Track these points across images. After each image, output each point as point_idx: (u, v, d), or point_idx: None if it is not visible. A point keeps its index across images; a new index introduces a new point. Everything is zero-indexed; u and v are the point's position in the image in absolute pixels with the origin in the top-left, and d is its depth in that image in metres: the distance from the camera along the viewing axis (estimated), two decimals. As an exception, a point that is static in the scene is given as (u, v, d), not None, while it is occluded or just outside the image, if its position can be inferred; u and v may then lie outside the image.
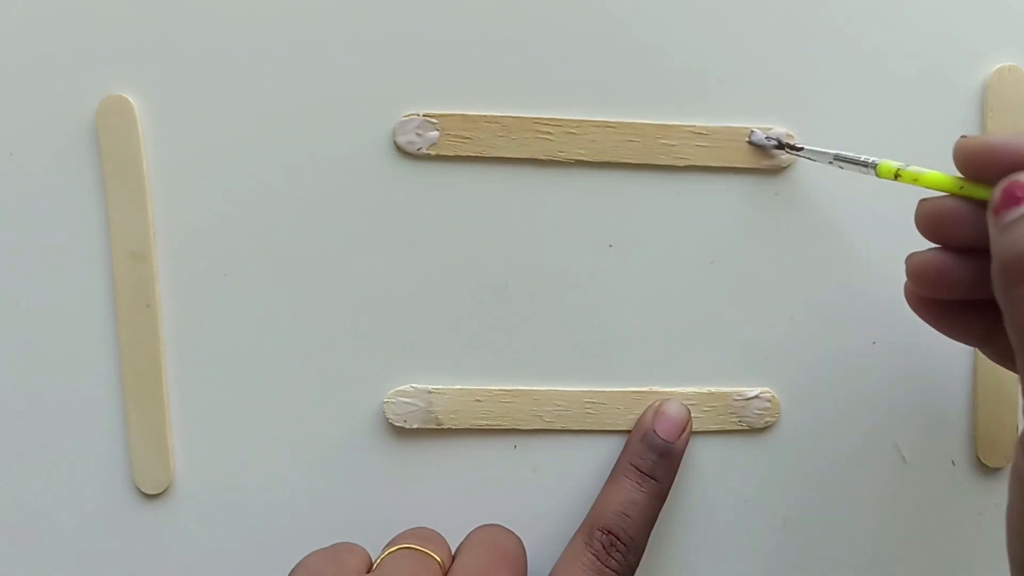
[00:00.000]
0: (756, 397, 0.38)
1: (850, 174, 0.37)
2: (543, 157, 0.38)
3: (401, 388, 0.39)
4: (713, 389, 0.38)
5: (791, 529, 0.38)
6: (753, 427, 0.38)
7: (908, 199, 0.37)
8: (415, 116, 0.38)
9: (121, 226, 0.39)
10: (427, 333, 0.39)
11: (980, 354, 0.37)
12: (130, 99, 0.39)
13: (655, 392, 0.38)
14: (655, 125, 0.38)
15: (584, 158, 0.38)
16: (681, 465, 0.37)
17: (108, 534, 0.39)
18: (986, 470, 0.38)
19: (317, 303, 0.39)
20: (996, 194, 0.30)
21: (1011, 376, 0.37)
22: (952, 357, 0.38)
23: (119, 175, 0.39)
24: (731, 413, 0.38)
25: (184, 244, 0.39)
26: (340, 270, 0.39)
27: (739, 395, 0.38)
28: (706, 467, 0.39)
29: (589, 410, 0.38)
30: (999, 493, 0.38)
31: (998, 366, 0.34)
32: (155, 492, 0.39)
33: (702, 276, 0.38)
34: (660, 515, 0.36)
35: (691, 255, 0.38)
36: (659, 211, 0.38)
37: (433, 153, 0.38)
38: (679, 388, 0.38)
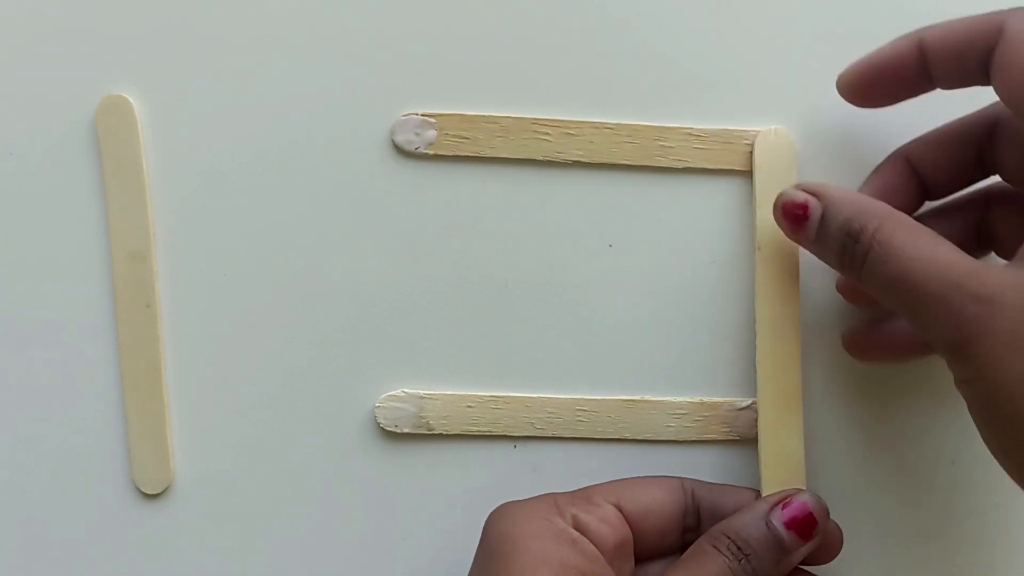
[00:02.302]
0: (748, 408, 0.38)
1: (850, 174, 0.37)
2: (541, 158, 0.38)
3: (393, 393, 0.39)
4: (705, 399, 0.38)
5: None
6: (744, 437, 0.38)
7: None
8: (414, 115, 0.38)
9: (121, 226, 0.39)
10: (422, 336, 0.39)
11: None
12: (130, 99, 0.39)
13: (647, 401, 0.38)
14: (653, 127, 0.38)
15: (582, 159, 0.38)
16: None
17: (108, 534, 0.39)
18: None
19: (315, 303, 0.39)
20: (778, 217, 0.33)
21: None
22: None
23: (119, 175, 0.39)
24: (722, 423, 0.38)
25: (184, 244, 0.39)
26: (338, 270, 0.39)
27: (731, 406, 0.38)
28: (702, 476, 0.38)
29: (580, 418, 0.38)
30: (999, 493, 0.38)
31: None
32: (155, 492, 0.39)
33: (700, 280, 0.38)
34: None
35: (689, 258, 0.38)
36: (657, 213, 0.38)
37: (431, 153, 0.38)
38: (671, 397, 0.38)
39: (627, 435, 0.38)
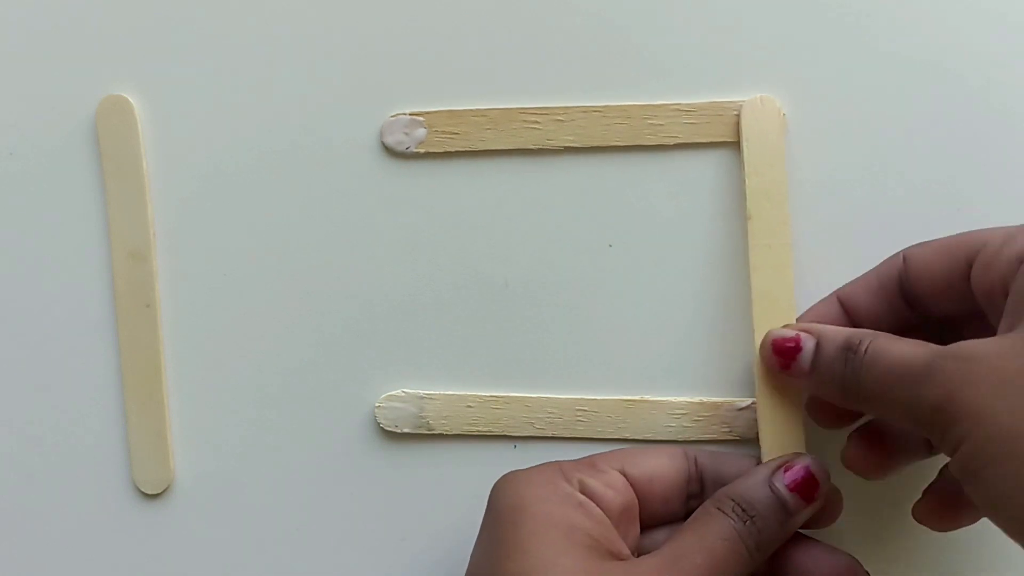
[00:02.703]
0: (747, 408, 0.38)
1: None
2: (532, 147, 0.38)
3: (393, 393, 0.39)
4: (705, 399, 0.38)
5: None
6: (744, 437, 0.38)
7: (916, 192, 0.37)
8: (402, 115, 0.38)
9: (121, 226, 0.39)
10: (422, 336, 0.39)
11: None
12: (130, 99, 0.39)
13: (647, 401, 0.38)
14: (641, 106, 0.37)
15: (573, 144, 0.38)
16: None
17: (108, 534, 0.39)
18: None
19: (315, 303, 0.39)
20: (767, 356, 0.35)
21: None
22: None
23: (119, 175, 0.39)
24: (722, 423, 0.38)
25: (184, 244, 0.39)
26: (338, 271, 0.39)
27: (731, 406, 0.38)
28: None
29: (580, 418, 0.38)
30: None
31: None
32: (155, 492, 0.39)
33: (698, 272, 0.38)
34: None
35: (686, 240, 0.38)
36: (651, 192, 0.38)
37: (422, 151, 0.38)
38: (671, 397, 0.38)
39: (627, 435, 0.38)
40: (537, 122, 0.38)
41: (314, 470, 0.39)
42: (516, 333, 0.39)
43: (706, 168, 0.38)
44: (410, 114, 0.38)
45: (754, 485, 0.33)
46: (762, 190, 0.36)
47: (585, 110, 0.38)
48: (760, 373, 0.36)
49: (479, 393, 0.39)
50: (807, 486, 0.33)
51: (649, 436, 0.38)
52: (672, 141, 0.38)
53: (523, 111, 0.38)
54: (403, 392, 0.39)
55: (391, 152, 0.38)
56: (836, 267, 0.37)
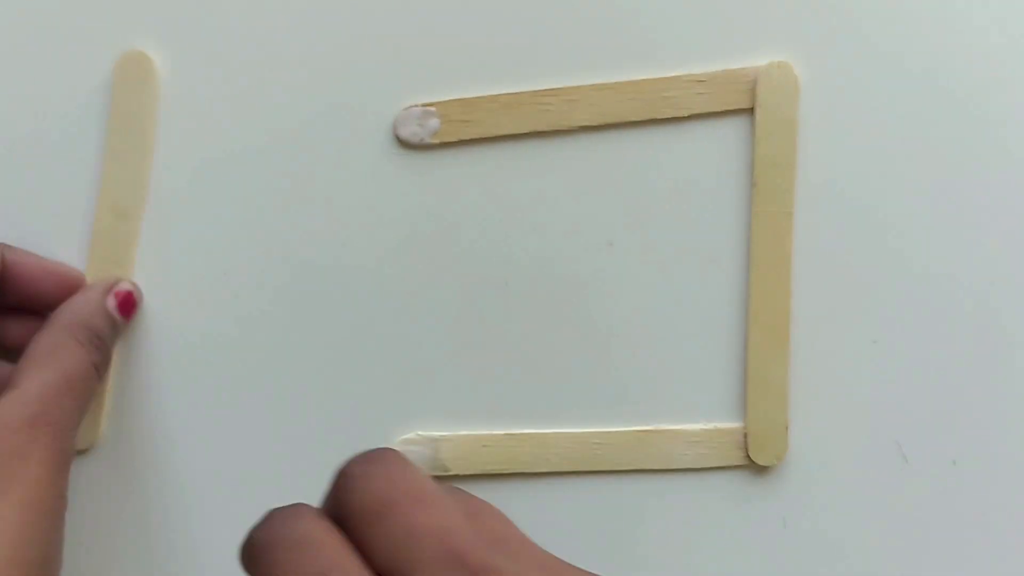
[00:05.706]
0: None
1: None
2: (546, 129, 0.38)
3: (407, 436, 0.38)
4: (719, 425, 0.37)
5: (791, 529, 0.37)
6: (757, 462, 0.37)
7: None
8: (415, 107, 0.38)
9: (112, 179, 0.38)
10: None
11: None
12: (154, 59, 0.38)
13: (662, 431, 0.37)
14: (654, 80, 0.37)
15: (587, 123, 0.38)
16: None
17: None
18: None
19: (320, 307, 0.38)
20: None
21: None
22: (952, 355, 0.37)
23: (123, 130, 0.38)
24: (738, 448, 0.37)
25: (179, 258, 0.38)
26: (349, 276, 0.38)
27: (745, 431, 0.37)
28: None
29: (597, 451, 0.37)
30: (996, 491, 0.37)
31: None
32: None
33: (703, 270, 0.38)
34: (655, 511, 0.36)
35: (697, 233, 0.38)
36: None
37: (436, 142, 0.38)
38: (686, 426, 0.37)
39: (644, 466, 0.37)
40: (550, 103, 0.38)
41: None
42: (535, 351, 0.38)
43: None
44: (422, 105, 0.38)
45: (98, 312, 0.36)
46: (771, 158, 0.37)
47: (597, 88, 0.38)
48: (751, 337, 0.37)
49: (494, 432, 0.38)
50: (130, 305, 0.37)
51: (666, 466, 0.37)
52: (687, 113, 0.38)
53: (535, 94, 0.38)
54: (417, 435, 0.38)
55: (406, 145, 0.38)
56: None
